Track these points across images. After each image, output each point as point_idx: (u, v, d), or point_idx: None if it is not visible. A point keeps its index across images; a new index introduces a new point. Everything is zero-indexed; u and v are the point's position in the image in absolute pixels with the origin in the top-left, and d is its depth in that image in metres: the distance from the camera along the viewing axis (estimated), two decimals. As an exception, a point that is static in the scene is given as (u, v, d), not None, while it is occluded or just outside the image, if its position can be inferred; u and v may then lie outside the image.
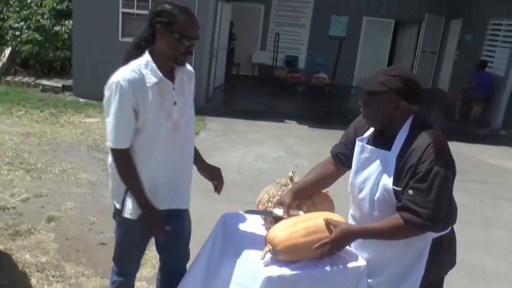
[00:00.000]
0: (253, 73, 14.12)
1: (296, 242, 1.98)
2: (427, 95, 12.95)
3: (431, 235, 2.02)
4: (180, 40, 2.07)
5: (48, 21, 10.22)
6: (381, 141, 2.02)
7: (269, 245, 2.02)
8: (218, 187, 2.49)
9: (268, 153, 6.81)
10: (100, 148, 6.25)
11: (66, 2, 10.23)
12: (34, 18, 10.21)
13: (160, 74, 2.13)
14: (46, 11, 10.32)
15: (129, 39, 8.89)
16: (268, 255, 2.02)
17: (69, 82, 9.74)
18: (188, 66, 2.36)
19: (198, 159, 2.50)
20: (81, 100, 8.97)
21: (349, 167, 2.21)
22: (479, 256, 4.36)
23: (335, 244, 1.99)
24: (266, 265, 2.00)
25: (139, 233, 2.29)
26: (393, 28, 14.37)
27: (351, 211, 2.26)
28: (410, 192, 1.87)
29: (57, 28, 10.14)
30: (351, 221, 2.25)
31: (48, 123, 7.26)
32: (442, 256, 2.10)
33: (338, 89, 12.62)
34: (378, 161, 2.00)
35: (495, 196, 6.07)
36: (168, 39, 2.07)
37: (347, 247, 2.16)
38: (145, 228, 2.23)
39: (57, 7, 10.28)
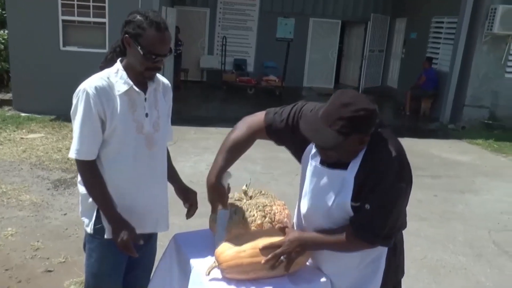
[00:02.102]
0: (202, 78, 13.90)
1: (241, 262, 1.85)
2: (377, 92, 13.17)
3: None
4: (145, 55, 1.94)
5: (-19, 31, 9.66)
6: None
7: (215, 261, 1.90)
8: (190, 212, 2.35)
9: (221, 160, 6.61)
10: (45, 165, 5.89)
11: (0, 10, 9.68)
12: (-36, 29, 9.64)
13: (130, 82, 2.01)
14: (-22, 21, 9.77)
15: (72, 48, 8.69)
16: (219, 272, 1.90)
17: (8, 96, 9.21)
18: (163, 79, 2.22)
19: (176, 179, 2.37)
20: (23, 114, 8.48)
21: (279, 144, 2.10)
22: (439, 252, 4.39)
23: (287, 254, 1.85)
24: (213, 283, 1.87)
25: (117, 255, 2.12)
26: (341, 29, 14.52)
27: (295, 220, 2.13)
28: (367, 206, 1.76)
29: (-9, 39, 9.59)
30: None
31: (-14, 142, 6.81)
32: (397, 259, 2.04)
33: (289, 91, 12.62)
34: (334, 181, 1.83)
35: (448, 190, 6.16)
36: (134, 51, 1.96)
37: (308, 262, 2.03)
38: (120, 245, 2.04)
39: (-10, 16, 9.74)
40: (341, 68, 15.27)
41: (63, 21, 8.51)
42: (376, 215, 1.75)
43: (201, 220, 2.40)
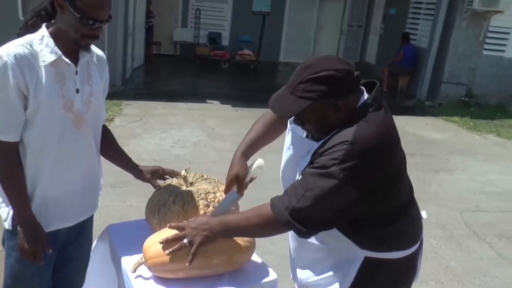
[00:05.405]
0: (175, 51, 13.41)
1: (167, 260, 1.57)
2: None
3: (362, 251, 1.63)
4: (82, 20, 1.62)
5: None
6: None
7: (142, 256, 1.64)
8: (171, 174, 2.06)
9: (187, 137, 6.35)
10: None
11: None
12: None
13: (58, 51, 1.71)
14: None
15: (31, 18, 8.14)
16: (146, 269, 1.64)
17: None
18: (98, 50, 1.91)
19: (130, 164, 2.08)
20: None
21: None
22: (409, 236, 4.21)
23: (191, 238, 1.56)
24: (140, 281, 1.61)
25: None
26: (319, 3, 14.16)
27: None
28: (299, 177, 1.54)
29: None
30: None
31: None
32: (373, 284, 1.67)
33: (264, 65, 12.29)
34: (303, 148, 1.62)
35: (423, 169, 5.99)
36: (68, 16, 1.64)
37: (255, 259, 1.78)
38: (26, 252, 1.76)
39: None
40: (318, 42, 14.91)
41: (22, -13, 8.01)
42: (298, 188, 1.49)
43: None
